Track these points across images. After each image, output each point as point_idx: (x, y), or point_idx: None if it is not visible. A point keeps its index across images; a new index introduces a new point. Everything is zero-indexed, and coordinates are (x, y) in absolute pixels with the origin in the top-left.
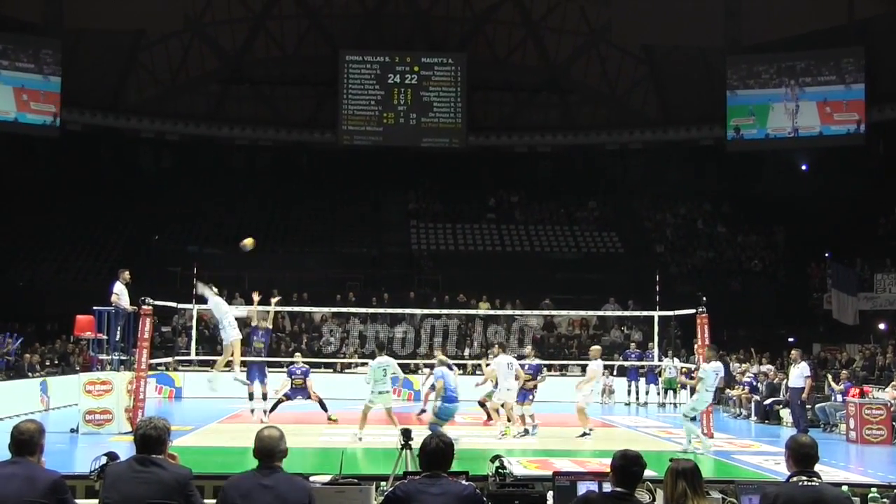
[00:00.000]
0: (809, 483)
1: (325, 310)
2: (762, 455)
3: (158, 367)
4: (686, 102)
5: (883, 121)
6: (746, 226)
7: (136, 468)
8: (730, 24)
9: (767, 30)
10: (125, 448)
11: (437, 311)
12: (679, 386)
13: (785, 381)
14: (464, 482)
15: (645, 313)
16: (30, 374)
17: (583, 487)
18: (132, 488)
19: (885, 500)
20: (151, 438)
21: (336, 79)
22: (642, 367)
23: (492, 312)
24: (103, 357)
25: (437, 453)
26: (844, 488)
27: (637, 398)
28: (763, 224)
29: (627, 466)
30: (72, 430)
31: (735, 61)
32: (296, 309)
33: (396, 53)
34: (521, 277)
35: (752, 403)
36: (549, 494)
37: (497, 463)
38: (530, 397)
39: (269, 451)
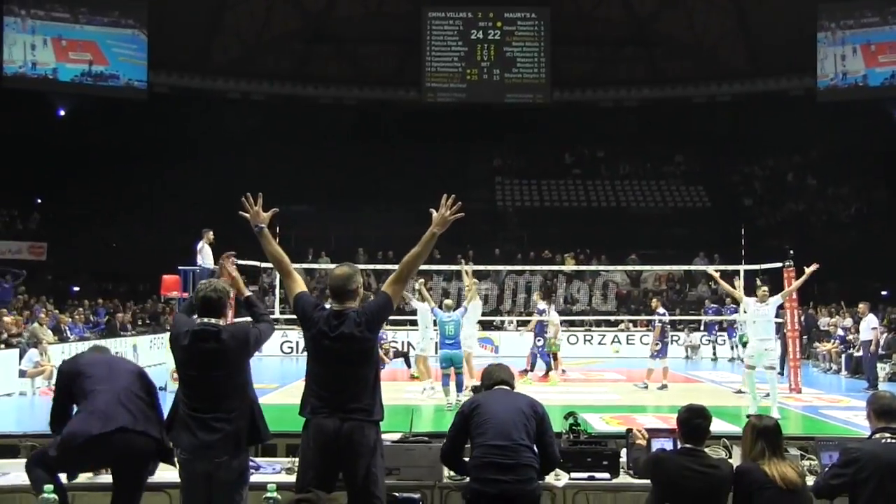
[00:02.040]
0: (893, 440)
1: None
2: (852, 410)
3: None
4: (775, 52)
5: None
6: (837, 178)
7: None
8: None
9: None
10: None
11: (521, 268)
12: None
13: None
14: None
15: (731, 267)
16: (122, 333)
17: (657, 444)
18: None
19: None
20: (212, 301)
21: (419, 36)
22: (721, 321)
23: (576, 268)
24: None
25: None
26: None
27: (714, 354)
28: (855, 176)
29: (690, 419)
30: (160, 388)
31: (828, 8)
32: (381, 267)
33: (479, 9)
34: (607, 233)
35: (843, 357)
36: (623, 451)
37: (571, 419)
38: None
39: (338, 288)
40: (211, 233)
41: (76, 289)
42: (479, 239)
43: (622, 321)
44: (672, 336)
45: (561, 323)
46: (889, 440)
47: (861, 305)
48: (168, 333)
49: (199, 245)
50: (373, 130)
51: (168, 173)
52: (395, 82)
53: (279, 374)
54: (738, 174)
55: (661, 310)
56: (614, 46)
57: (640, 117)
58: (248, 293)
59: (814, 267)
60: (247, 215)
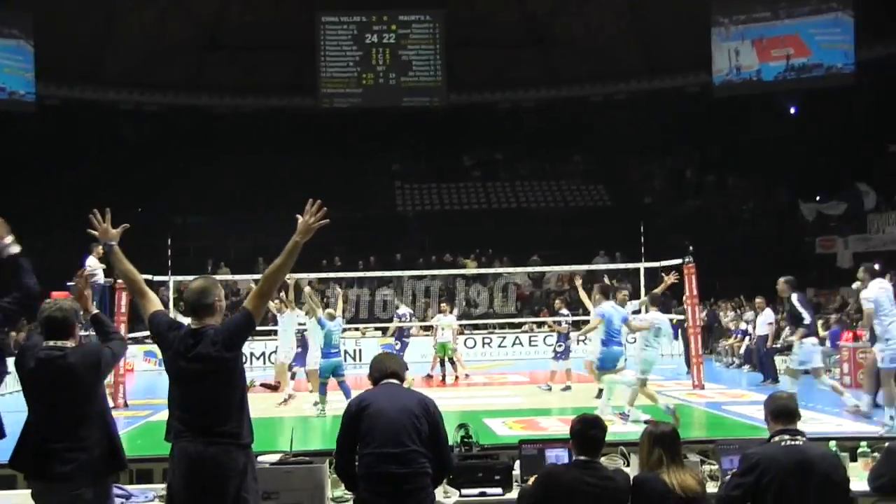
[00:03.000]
0: (793, 442)
1: (310, 275)
2: (754, 405)
3: (146, 340)
4: (671, 50)
5: (872, 59)
6: (736, 173)
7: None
8: None
9: None
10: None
11: (422, 273)
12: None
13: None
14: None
15: (631, 265)
16: (16, 352)
17: (551, 455)
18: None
19: (875, 453)
20: (57, 321)
21: (313, 41)
22: None
23: (478, 271)
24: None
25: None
26: (832, 444)
27: None
28: (752, 170)
29: (585, 431)
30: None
31: (720, 4)
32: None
33: (373, 12)
34: (508, 235)
35: (744, 351)
36: (517, 464)
37: (462, 431)
38: None
39: (193, 302)
40: (100, 247)
41: None
42: (380, 245)
43: (525, 323)
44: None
45: (464, 327)
46: (788, 442)
47: (758, 300)
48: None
49: (88, 260)
50: (270, 139)
51: (59, 187)
52: (291, 89)
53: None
54: (638, 172)
55: (563, 310)
56: (510, 48)
57: (538, 118)
58: (94, 310)
59: (671, 278)
60: (95, 233)
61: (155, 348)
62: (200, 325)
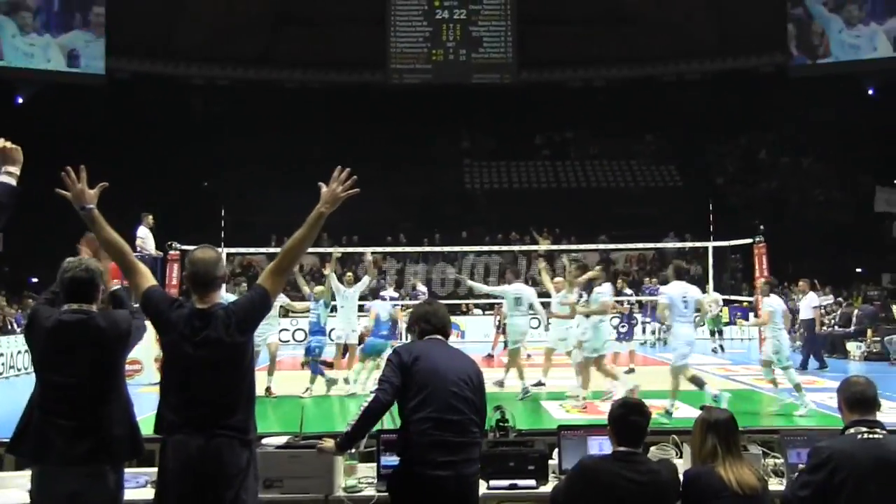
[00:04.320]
0: (871, 435)
1: (375, 249)
2: (826, 392)
3: None
4: (746, 29)
5: None
6: (811, 155)
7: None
8: None
9: None
10: (154, 399)
11: (491, 248)
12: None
13: (855, 311)
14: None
15: (698, 244)
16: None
17: (594, 444)
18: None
19: None
20: (83, 281)
21: (384, 16)
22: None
23: (550, 247)
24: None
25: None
26: None
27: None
28: (828, 153)
29: (625, 416)
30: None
31: None
32: (343, 250)
33: None
34: (577, 214)
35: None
36: (555, 453)
37: (498, 414)
38: None
39: (202, 276)
40: (150, 216)
41: (34, 280)
42: (447, 222)
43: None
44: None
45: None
46: (865, 436)
47: (801, 283)
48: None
49: (139, 230)
50: (340, 114)
51: (129, 160)
52: (361, 64)
53: None
54: (710, 153)
55: (626, 290)
56: (583, 24)
57: (609, 96)
58: (115, 286)
59: None
60: (67, 195)
61: None
62: (208, 304)
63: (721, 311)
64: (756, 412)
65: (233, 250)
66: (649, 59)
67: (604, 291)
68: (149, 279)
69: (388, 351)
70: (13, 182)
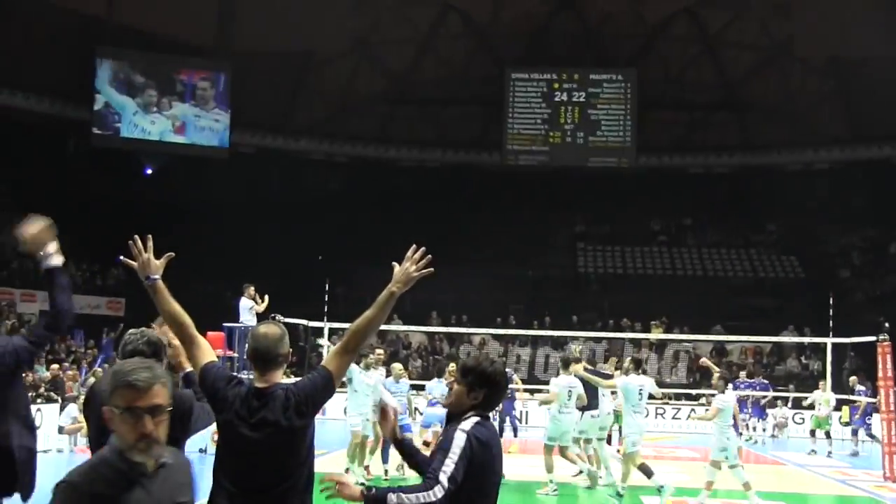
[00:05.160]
0: None
1: (483, 331)
2: None
3: None
4: (876, 118)
5: None
6: None
7: None
8: None
9: None
10: None
11: (602, 335)
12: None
13: None
14: None
15: (817, 339)
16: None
17: None
18: None
19: None
20: (145, 356)
21: (502, 97)
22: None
23: (663, 336)
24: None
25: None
26: None
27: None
28: None
29: None
30: (200, 451)
31: None
32: (454, 330)
33: (564, 70)
34: (692, 303)
35: None
36: None
37: None
38: None
39: (264, 352)
40: (252, 288)
41: None
42: (558, 305)
43: (701, 395)
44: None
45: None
46: None
47: (852, 378)
48: None
49: (242, 301)
50: (454, 193)
51: (248, 233)
52: (477, 145)
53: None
54: (835, 244)
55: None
56: (704, 110)
57: (730, 184)
58: (188, 368)
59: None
60: (133, 264)
61: None
62: (267, 383)
63: (831, 411)
64: None
65: (336, 325)
66: (772, 145)
67: (558, 382)
68: (208, 355)
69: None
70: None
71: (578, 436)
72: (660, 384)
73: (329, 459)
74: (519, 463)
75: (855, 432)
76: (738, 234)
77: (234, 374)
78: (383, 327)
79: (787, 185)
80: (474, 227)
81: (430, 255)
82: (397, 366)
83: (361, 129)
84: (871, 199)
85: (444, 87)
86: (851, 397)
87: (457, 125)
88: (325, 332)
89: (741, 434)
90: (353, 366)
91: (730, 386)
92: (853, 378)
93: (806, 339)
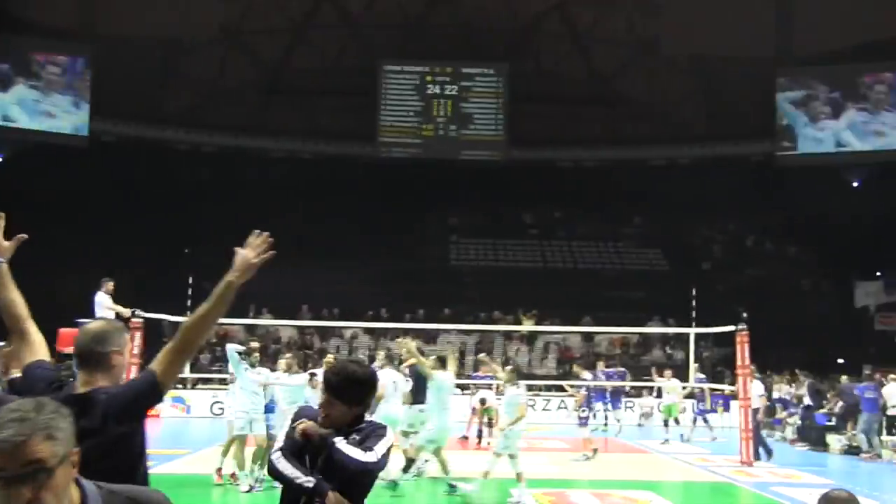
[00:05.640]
0: None
1: (354, 324)
2: (809, 488)
3: (177, 386)
4: (736, 116)
5: None
6: (797, 244)
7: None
8: (781, 35)
9: (820, 40)
10: None
11: (474, 327)
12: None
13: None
14: None
15: (679, 330)
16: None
17: None
18: None
19: None
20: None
21: (375, 89)
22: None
23: (534, 328)
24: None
25: None
26: None
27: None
28: (815, 242)
29: None
30: None
31: (787, 73)
32: (325, 324)
33: (437, 63)
34: (562, 294)
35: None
36: None
37: None
38: None
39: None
40: (111, 283)
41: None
42: (431, 299)
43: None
44: (626, 402)
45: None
46: None
47: (693, 366)
48: None
49: (98, 296)
50: (327, 185)
51: (111, 225)
52: (350, 137)
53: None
54: (697, 237)
55: (586, 374)
56: (575, 105)
57: (599, 177)
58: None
59: None
60: None
61: (184, 393)
62: (90, 386)
63: (680, 398)
64: None
65: None
66: (640, 141)
67: (382, 375)
68: (36, 353)
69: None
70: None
71: (408, 429)
72: (530, 376)
73: (195, 459)
74: None
75: (705, 420)
76: (607, 227)
77: (68, 376)
78: (252, 321)
79: (652, 180)
80: (347, 219)
81: (271, 239)
82: (289, 357)
83: (232, 118)
84: (731, 194)
85: (317, 78)
86: (715, 385)
87: (330, 116)
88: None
89: (587, 424)
90: (240, 364)
91: (588, 374)
92: (693, 366)
93: (670, 330)
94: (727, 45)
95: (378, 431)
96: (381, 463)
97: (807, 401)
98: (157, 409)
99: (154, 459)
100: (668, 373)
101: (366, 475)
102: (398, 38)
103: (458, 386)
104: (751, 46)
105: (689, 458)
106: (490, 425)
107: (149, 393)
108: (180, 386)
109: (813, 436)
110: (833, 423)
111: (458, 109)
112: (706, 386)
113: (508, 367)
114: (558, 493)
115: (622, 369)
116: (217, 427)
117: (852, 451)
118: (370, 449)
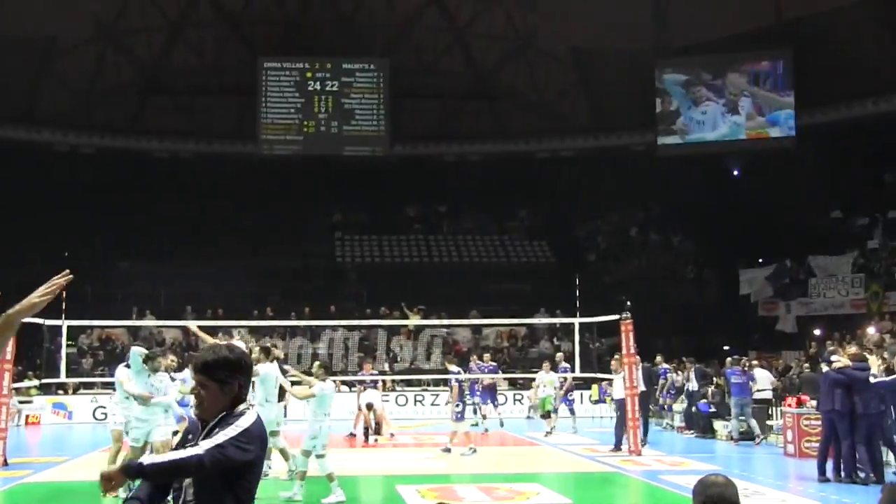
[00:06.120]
0: None
1: (239, 323)
2: (694, 474)
3: (58, 391)
4: (616, 108)
5: (813, 125)
6: (680, 233)
7: None
8: (658, 27)
9: (696, 32)
10: None
11: (361, 323)
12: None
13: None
14: None
15: (564, 320)
16: None
17: None
18: None
19: None
20: None
21: (255, 87)
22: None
23: (420, 322)
24: None
25: None
26: None
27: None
28: (696, 230)
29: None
30: None
31: (664, 64)
32: (209, 323)
33: (316, 59)
34: (449, 289)
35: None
36: None
37: None
38: None
39: None
40: None
41: None
42: (317, 296)
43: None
44: (515, 395)
45: (395, 383)
46: None
47: (613, 361)
48: None
49: None
50: (209, 185)
51: None
52: (232, 135)
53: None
54: (582, 229)
55: (454, 368)
56: (458, 99)
57: (483, 171)
58: None
59: None
60: None
61: (66, 399)
62: None
63: (556, 391)
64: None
65: (76, 323)
66: (523, 134)
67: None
68: None
69: None
70: None
71: (276, 428)
72: (417, 371)
73: (75, 465)
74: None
75: (571, 410)
76: (492, 221)
77: None
78: (134, 323)
79: (537, 173)
80: (230, 218)
81: (62, 281)
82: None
83: (110, 119)
84: (614, 185)
85: (196, 76)
86: (602, 375)
87: (211, 115)
88: (63, 331)
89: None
90: (143, 369)
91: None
92: (559, 355)
93: (556, 321)
94: (606, 37)
95: (231, 421)
96: (208, 455)
97: (691, 387)
98: (37, 416)
99: (30, 468)
100: (546, 365)
101: (201, 469)
102: (277, 35)
103: (345, 383)
104: (629, 38)
105: (577, 448)
106: (377, 424)
107: None
108: (61, 392)
109: (701, 423)
110: (714, 409)
111: (340, 105)
112: (569, 375)
113: (317, 363)
114: (445, 487)
115: (493, 363)
116: (99, 433)
117: (744, 437)
118: (197, 443)
